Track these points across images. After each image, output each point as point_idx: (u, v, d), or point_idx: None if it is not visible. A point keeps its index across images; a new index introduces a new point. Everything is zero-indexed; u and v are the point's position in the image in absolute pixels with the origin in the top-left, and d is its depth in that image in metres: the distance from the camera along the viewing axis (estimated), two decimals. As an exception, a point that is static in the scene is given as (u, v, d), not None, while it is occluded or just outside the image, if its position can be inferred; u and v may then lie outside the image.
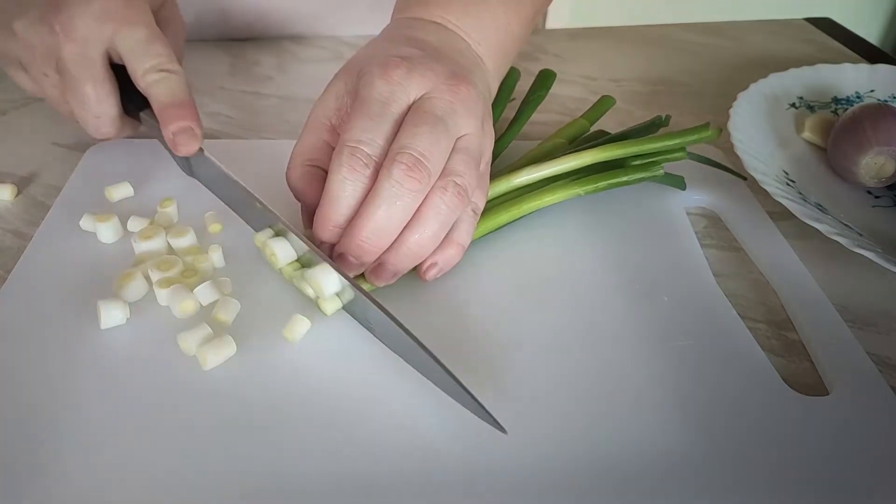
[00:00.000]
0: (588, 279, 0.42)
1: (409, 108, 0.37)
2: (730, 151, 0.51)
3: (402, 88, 0.37)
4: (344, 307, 0.38)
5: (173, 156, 0.44)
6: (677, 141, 0.46)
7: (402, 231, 0.36)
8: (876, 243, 0.44)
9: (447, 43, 0.42)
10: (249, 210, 0.41)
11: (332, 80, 0.41)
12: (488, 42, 0.44)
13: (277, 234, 0.39)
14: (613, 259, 0.43)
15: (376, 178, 0.36)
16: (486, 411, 0.32)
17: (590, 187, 0.45)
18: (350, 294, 0.36)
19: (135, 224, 0.43)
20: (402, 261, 0.37)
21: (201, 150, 0.41)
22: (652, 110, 0.61)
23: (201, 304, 0.38)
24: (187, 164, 0.44)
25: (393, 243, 0.37)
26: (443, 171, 0.36)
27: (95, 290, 0.39)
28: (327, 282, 0.36)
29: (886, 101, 0.59)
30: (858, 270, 0.44)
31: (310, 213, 0.39)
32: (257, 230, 0.40)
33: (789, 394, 0.35)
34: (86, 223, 0.43)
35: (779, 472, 0.32)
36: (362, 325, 0.37)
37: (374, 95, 0.37)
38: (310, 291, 0.38)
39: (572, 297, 0.40)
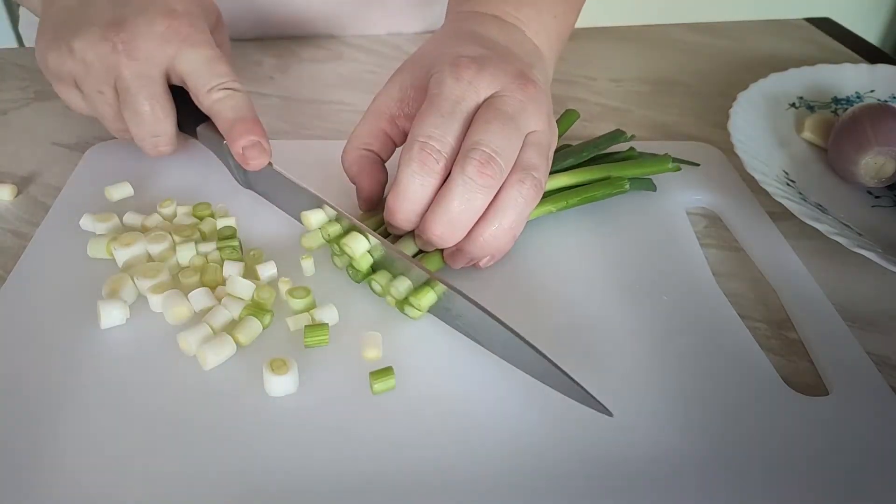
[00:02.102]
0: (587, 279, 0.42)
1: (479, 106, 0.38)
2: (730, 151, 0.51)
3: (473, 88, 0.37)
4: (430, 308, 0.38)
5: (231, 169, 0.45)
6: (640, 170, 0.47)
7: (479, 222, 0.37)
8: (876, 243, 0.44)
9: (509, 37, 0.43)
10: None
11: (396, 71, 0.42)
12: (546, 32, 0.46)
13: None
14: (613, 259, 0.43)
15: (445, 173, 0.36)
16: (591, 395, 0.32)
17: (561, 204, 0.45)
18: (439, 290, 0.36)
19: (132, 219, 0.43)
20: (479, 251, 0.38)
21: (270, 163, 0.42)
22: (652, 110, 0.61)
23: (195, 310, 0.38)
24: (246, 177, 0.45)
25: (470, 234, 0.37)
26: (519, 163, 0.37)
27: (95, 290, 0.39)
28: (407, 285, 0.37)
29: (886, 101, 0.59)
30: (858, 270, 0.44)
31: (364, 197, 0.42)
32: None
33: (789, 394, 0.35)
34: (86, 223, 0.43)
35: (779, 472, 0.32)
36: (442, 318, 0.38)
37: (445, 93, 0.37)
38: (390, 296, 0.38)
39: (572, 298, 0.40)
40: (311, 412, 0.33)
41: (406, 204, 0.37)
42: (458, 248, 0.38)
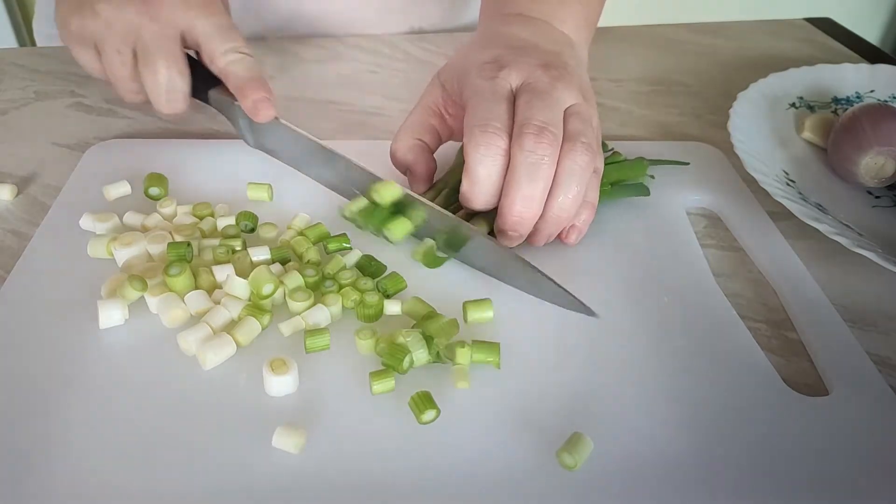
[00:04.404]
0: (588, 279, 0.42)
1: (515, 93, 0.41)
2: (730, 151, 0.51)
3: (503, 79, 0.41)
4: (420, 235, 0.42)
5: (241, 130, 0.48)
6: (617, 175, 0.48)
7: (547, 197, 0.40)
8: (876, 243, 0.44)
9: (533, 31, 0.46)
10: (330, 171, 0.45)
11: (436, 75, 0.46)
12: (574, 18, 0.49)
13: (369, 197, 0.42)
14: (613, 259, 0.43)
15: (508, 150, 0.39)
16: (576, 298, 0.38)
17: None
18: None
19: (132, 219, 0.43)
20: (552, 224, 0.41)
21: (276, 118, 0.46)
22: (652, 110, 0.61)
23: (191, 313, 0.38)
24: (258, 136, 0.48)
25: (542, 211, 0.40)
26: (566, 135, 0.40)
27: (95, 290, 0.39)
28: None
29: (886, 101, 0.59)
30: (858, 270, 0.44)
31: (420, 180, 0.45)
32: (342, 193, 0.45)
33: (789, 394, 0.35)
34: (85, 223, 0.43)
35: (779, 472, 0.32)
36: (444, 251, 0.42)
37: (481, 91, 0.41)
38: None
39: (572, 297, 0.40)
40: (311, 412, 0.33)
41: (480, 186, 0.40)
42: (534, 229, 0.41)
